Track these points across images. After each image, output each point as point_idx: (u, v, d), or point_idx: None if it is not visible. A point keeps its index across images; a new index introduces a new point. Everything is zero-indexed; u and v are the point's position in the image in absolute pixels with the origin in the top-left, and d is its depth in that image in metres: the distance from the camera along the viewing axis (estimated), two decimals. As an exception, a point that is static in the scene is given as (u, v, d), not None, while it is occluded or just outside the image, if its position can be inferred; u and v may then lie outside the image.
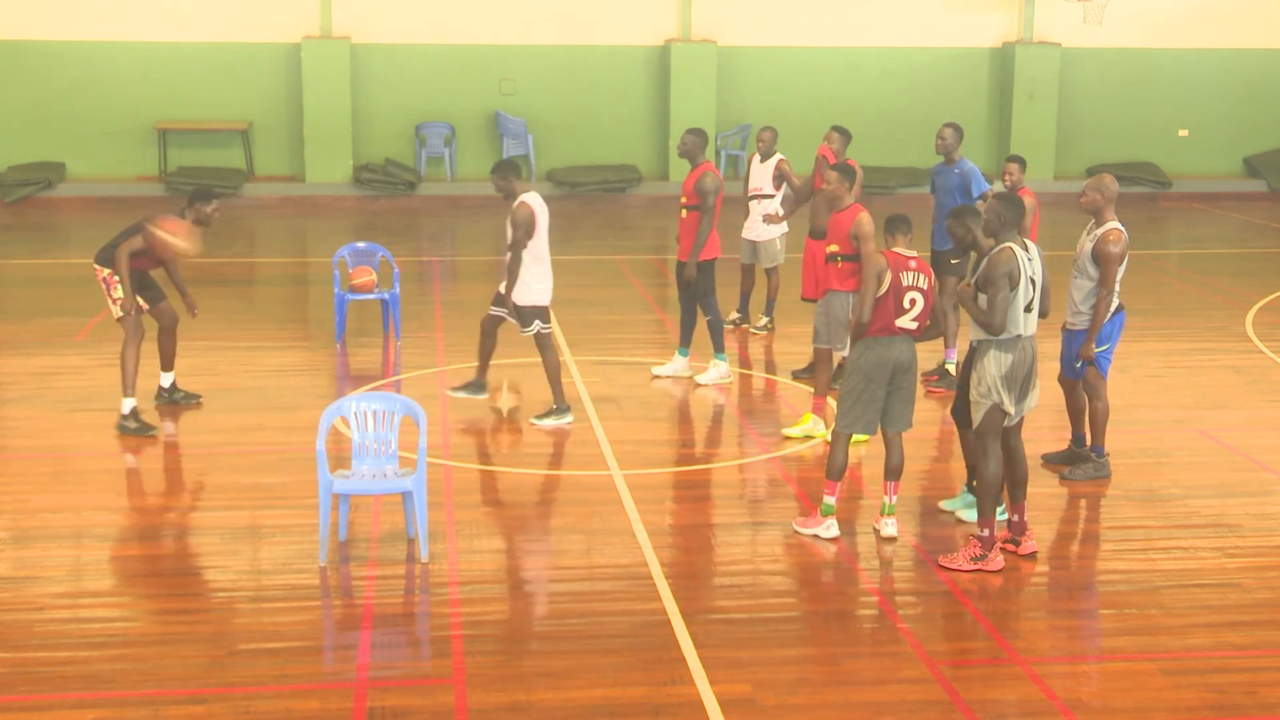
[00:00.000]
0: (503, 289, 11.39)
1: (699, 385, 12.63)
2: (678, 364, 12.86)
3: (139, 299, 11.41)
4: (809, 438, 11.13)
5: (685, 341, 12.82)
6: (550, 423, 11.38)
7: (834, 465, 9.07)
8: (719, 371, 12.71)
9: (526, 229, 11.03)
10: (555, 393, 11.48)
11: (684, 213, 12.46)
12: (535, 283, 11.24)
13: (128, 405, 11.20)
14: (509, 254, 11.15)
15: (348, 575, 8.56)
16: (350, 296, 14.01)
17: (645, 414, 11.95)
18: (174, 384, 11.92)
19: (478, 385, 11.78)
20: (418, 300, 15.83)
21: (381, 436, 9.03)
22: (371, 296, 14.09)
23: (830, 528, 9.13)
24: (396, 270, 14.53)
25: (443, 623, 7.96)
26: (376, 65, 23.90)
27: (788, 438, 11.20)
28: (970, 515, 9.36)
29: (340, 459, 9.88)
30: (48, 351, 13.68)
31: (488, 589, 8.39)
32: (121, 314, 11.29)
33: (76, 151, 23.57)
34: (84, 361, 13.29)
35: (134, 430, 11.13)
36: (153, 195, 22.95)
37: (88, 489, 10.05)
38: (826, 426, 11.00)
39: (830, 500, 9.12)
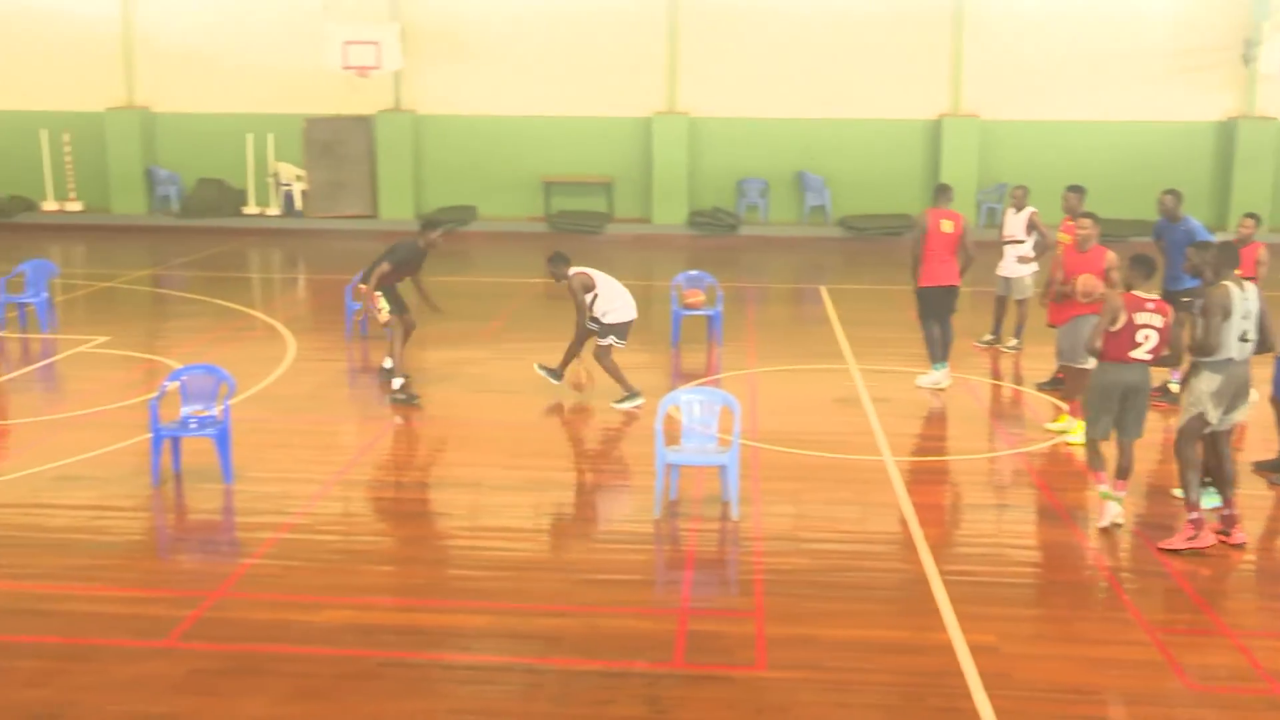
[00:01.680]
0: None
1: (924, 388, 12.27)
2: (937, 375, 12.48)
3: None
4: (1063, 432, 10.67)
5: (939, 356, 12.43)
6: (626, 405, 11.44)
7: (1092, 462, 8.66)
8: (936, 376, 12.36)
9: (587, 288, 11.45)
10: (623, 384, 11.54)
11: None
12: (618, 312, 11.58)
13: (398, 383, 11.59)
14: (580, 317, 11.55)
15: (675, 527, 8.62)
16: (684, 312, 14.13)
17: (912, 412, 11.65)
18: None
19: (558, 373, 12.05)
20: (736, 317, 15.85)
21: (705, 421, 9.07)
22: (700, 313, 14.18)
23: (1111, 510, 8.64)
24: (720, 293, 14.58)
25: (748, 568, 7.92)
26: (709, 133, 24.06)
27: (1048, 430, 10.79)
28: (1210, 502, 8.72)
29: (672, 436, 9.97)
30: (460, 347, 14.27)
31: (783, 544, 8.32)
32: (388, 318, 11.79)
33: (484, 197, 24.57)
34: (485, 354, 13.81)
35: (404, 400, 11.52)
36: (539, 231, 23.75)
37: (485, 449, 10.43)
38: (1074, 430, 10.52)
39: (1103, 487, 8.65)
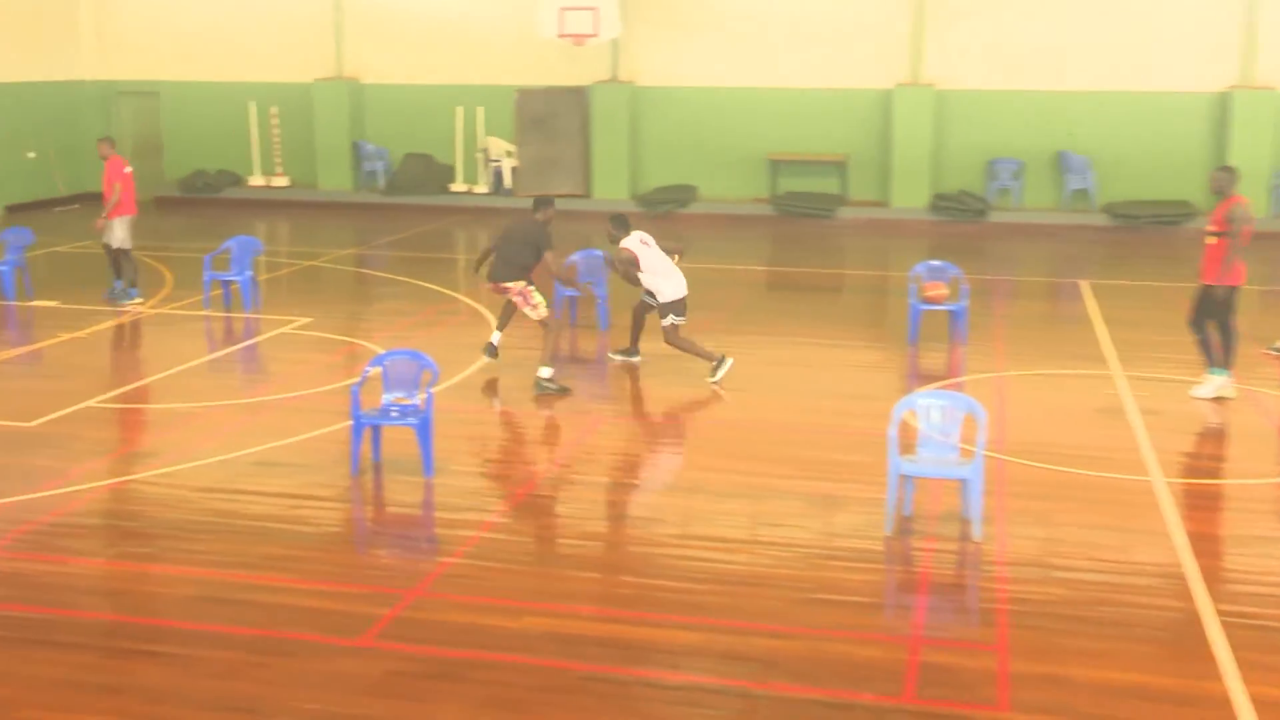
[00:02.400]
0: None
1: (1204, 399, 11.66)
2: (1216, 383, 11.86)
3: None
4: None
5: (1219, 362, 11.81)
6: (722, 373, 12.16)
7: None
8: (1215, 385, 11.69)
9: (631, 262, 12.22)
10: (704, 355, 12.31)
11: (1211, 239, 11.56)
12: (668, 289, 12.30)
13: (547, 371, 11.93)
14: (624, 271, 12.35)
15: (908, 546, 8.46)
16: (923, 307, 13.87)
17: (1187, 427, 11.12)
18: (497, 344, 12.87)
19: (632, 351, 12.88)
20: (982, 313, 15.44)
21: (945, 429, 8.87)
22: (942, 308, 13.89)
23: None
24: (965, 286, 14.24)
25: (990, 596, 7.71)
26: (957, 107, 23.52)
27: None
28: None
29: (908, 445, 9.77)
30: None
31: (1031, 571, 8.06)
32: (545, 313, 12.11)
33: (705, 176, 24.69)
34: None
35: (553, 390, 11.81)
36: (764, 214, 23.71)
37: (704, 450, 10.45)
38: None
39: None
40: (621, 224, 12.54)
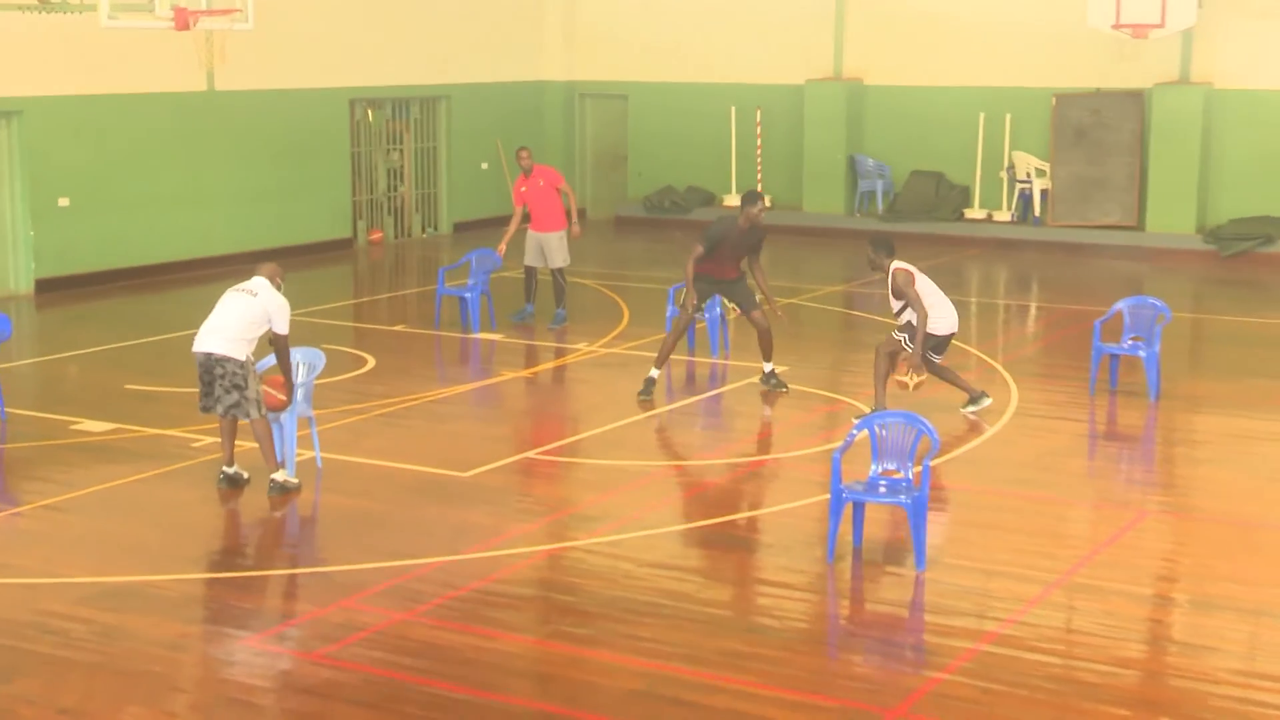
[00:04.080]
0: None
1: None
2: None
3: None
4: None
5: None
6: (973, 409, 13.28)
7: None
8: None
9: (908, 283, 12.78)
10: (964, 387, 13.37)
11: None
12: (942, 323, 12.97)
13: (653, 374, 13.71)
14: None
15: None
16: None
17: None
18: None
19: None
20: None
21: None
22: None
23: None
24: None
25: None
26: None
27: None
28: None
29: None
30: (1247, 414, 13.59)
31: None
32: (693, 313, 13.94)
33: (1300, 206, 23.28)
34: (1285, 429, 13.07)
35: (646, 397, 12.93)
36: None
37: (1274, 564, 9.82)
38: None
39: None
40: (885, 247, 13.01)
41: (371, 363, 15.61)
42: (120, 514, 10.79)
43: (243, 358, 10.91)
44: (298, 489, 11.11)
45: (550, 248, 17.47)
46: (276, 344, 11.09)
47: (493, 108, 26.77)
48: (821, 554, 9.77)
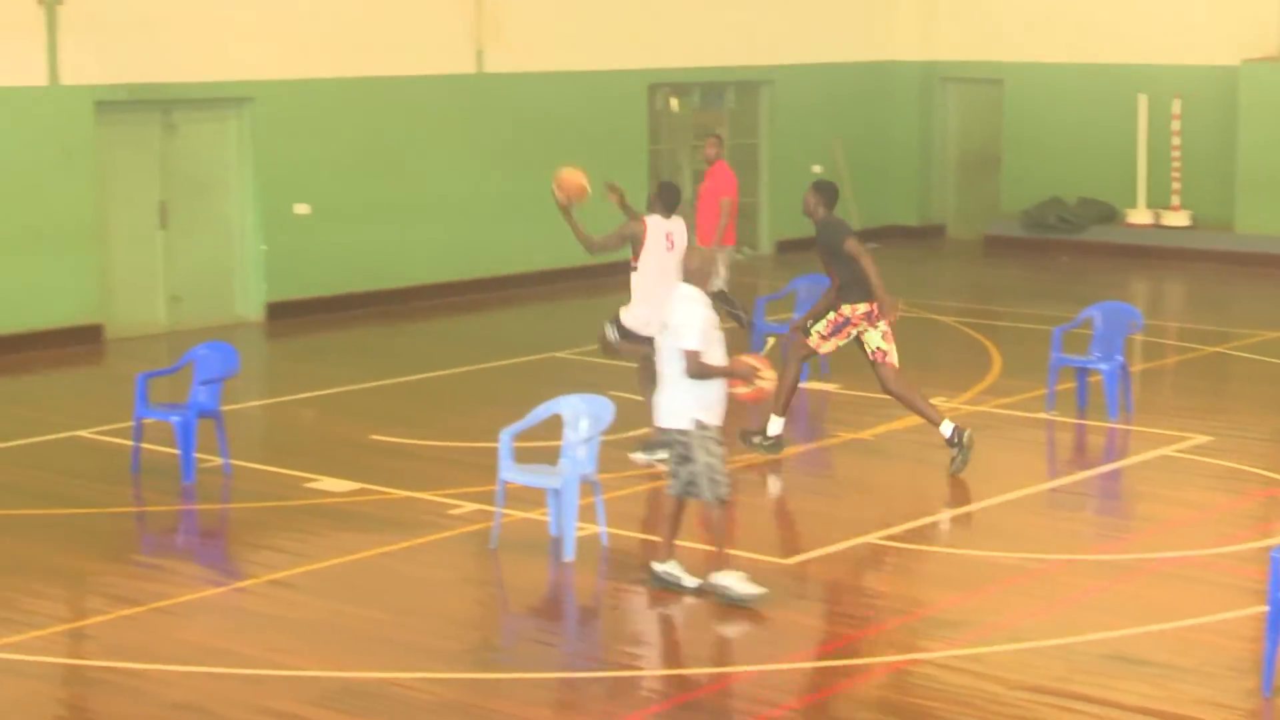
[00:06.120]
0: None
1: None
2: None
3: None
4: None
5: None
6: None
7: None
8: None
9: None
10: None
11: None
12: None
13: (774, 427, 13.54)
14: None
15: None
16: None
17: None
18: None
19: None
20: None
21: None
22: None
23: None
24: None
25: None
26: None
27: None
28: None
29: None
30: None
31: None
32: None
33: None
34: None
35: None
36: None
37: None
38: None
39: None
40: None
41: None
42: (361, 594, 11.14)
43: (683, 425, 10.81)
44: (691, 589, 10.90)
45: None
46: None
47: (828, 95, 26.89)
48: (1255, 685, 9.49)
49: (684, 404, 10.70)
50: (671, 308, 10.83)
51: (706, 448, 10.69)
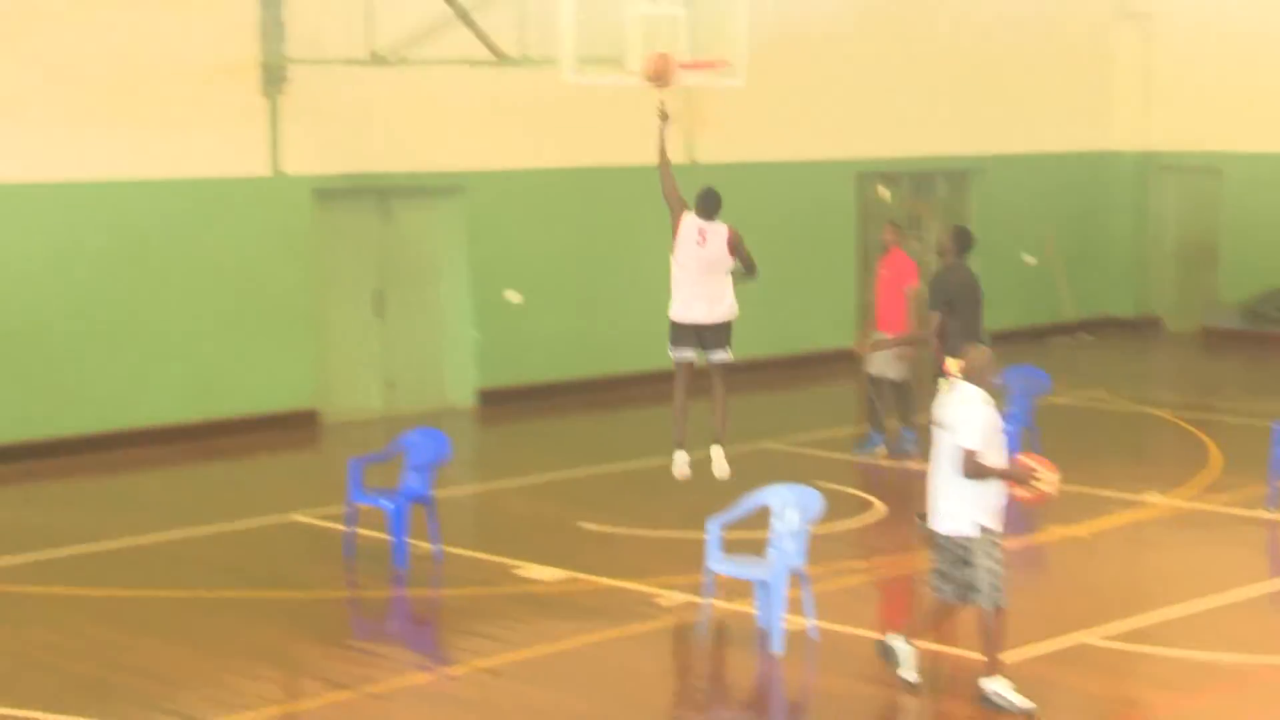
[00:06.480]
0: None
1: None
2: None
3: None
4: None
5: None
6: None
7: None
8: None
9: None
10: None
11: None
12: None
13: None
14: None
15: None
16: None
17: None
18: None
19: None
20: None
21: None
22: None
23: None
24: None
25: None
26: None
27: None
28: None
29: None
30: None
31: None
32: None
33: None
34: None
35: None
36: None
37: None
38: None
39: None
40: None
41: (878, 507, 15.69)
42: (568, 683, 11.17)
43: (966, 531, 10.53)
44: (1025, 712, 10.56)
45: (880, 354, 17.74)
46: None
47: (1041, 184, 26.69)
48: None
49: (965, 509, 10.49)
50: (949, 405, 10.64)
51: (989, 553, 10.49)
